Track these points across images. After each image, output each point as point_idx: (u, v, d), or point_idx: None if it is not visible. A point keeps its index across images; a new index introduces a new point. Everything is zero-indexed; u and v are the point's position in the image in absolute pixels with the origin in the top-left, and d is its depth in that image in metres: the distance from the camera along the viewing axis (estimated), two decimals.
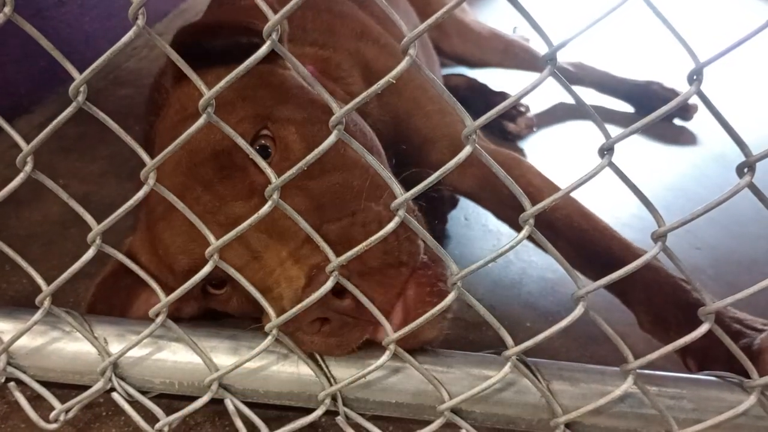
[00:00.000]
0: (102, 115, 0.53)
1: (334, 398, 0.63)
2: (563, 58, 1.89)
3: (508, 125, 1.59)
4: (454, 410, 0.62)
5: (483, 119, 0.47)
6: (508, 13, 2.21)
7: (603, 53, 1.90)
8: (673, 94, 1.68)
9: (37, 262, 0.64)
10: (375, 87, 0.47)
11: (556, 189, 1.06)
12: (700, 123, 1.62)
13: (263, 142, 0.72)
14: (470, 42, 1.71)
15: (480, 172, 1.02)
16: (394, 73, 0.46)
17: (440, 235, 1.21)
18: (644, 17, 0.57)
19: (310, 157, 0.51)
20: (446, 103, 0.47)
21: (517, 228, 1.03)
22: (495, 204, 1.05)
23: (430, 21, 0.43)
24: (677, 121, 1.66)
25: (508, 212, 1.04)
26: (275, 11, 0.46)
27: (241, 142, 0.52)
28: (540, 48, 1.87)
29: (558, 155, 1.52)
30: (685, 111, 1.64)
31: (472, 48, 1.71)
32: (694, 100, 0.46)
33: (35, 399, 0.69)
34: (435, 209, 1.16)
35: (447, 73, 1.82)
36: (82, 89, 0.51)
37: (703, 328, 0.53)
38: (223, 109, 0.58)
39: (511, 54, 1.77)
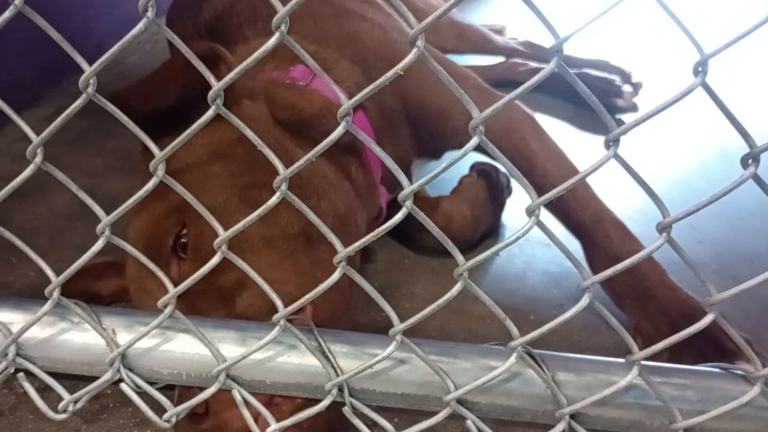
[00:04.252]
0: (111, 107, 0.53)
1: (340, 389, 0.64)
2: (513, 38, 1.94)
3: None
4: (460, 401, 0.63)
5: (489, 110, 0.47)
6: (503, 11, 2.23)
7: (606, 45, 1.90)
8: (619, 71, 1.73)
9: (43, 255, 0.64)
10: (383, 79, 0.48)
11: (555, 153, 1.06)
12: (704, 118, 1.61)
13: (184, 240, 0.74)
14: (428, 29, 1.71)
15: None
16: (401, 65, 0.47)
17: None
18: (648, 8, 0.57)
19: (310, 155, 0.51)
20: (452, 69, 0.47)
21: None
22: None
23: (438, 12, 0.43)
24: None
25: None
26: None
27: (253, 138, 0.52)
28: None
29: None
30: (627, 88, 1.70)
31: (429, 35, 1.71)
32: (700, 92, 0.47)
33: (44, 390, 0.70)
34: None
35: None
36: (91, 81, 0.51)
37: (707, 318, 0.53)
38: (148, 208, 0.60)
39: (464, 39, 1.77)
